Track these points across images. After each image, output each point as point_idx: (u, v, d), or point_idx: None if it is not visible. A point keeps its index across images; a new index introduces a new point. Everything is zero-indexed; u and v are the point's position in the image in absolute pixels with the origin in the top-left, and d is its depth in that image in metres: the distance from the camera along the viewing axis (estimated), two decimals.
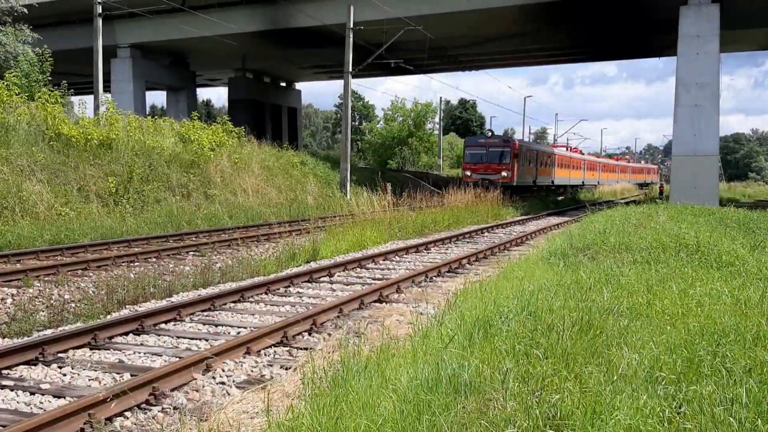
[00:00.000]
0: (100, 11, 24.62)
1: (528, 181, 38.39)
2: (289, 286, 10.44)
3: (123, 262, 12.08)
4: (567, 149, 56.24)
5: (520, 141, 39.71)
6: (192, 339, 7.29)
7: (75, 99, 26.43)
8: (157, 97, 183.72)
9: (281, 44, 37.89)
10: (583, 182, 55.61)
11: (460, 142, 59.79)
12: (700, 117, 25.94)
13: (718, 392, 3.88)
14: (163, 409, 5.17)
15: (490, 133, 37.66)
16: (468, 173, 34.79)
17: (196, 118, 26.57)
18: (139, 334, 7.35)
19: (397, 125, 53.36)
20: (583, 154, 62.11)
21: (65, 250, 13.00)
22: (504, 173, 33.84)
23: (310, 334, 7.54)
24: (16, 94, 19.71)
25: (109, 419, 4.89)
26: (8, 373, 5.98)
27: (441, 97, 67.90)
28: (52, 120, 19.11)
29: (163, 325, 7.81)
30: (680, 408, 3.76)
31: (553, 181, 45.26)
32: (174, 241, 15.46)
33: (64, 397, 5.39)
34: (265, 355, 6.71)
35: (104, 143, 19.85)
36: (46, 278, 10.38)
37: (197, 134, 24.22)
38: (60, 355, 6.51)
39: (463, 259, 13.27)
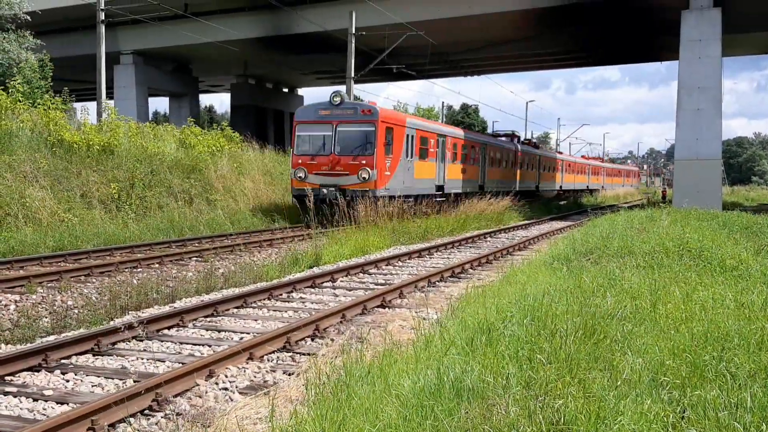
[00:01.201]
0: (103, 18, 24.69)
1: (423, 187, 23.95)
2: (291, 292, 10.43)
3: (126, 268, 12.08)
4: (514, 140, 38.92)
5: (398, 113, 24.66)
6: (195, 345, 7.29)
7: (77, 105, 26.54)
8: (160, 104, 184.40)
9: (283, 50, 38.02)
10: (537, 186, 41.69)
11: None
12: (703, 121, 25.94)
13: (723, 397, 3.87)
14: (166, 415, 5.16)
15: (338, 100, 20.91)
16: (300, 174, 20.75)
17: (193, 123, 26.65)
18: (142, 340, 7.35)
19: None
20: (538, 147, 46.08)
21: (68, 257, 13.01)
22: (363, 174, 20.00)
23: (312, 340, 7.53)
24: (19, 101, 19.78)
25: (113, 425, 4.90)
26: (11, 380, 5.98)
27: (443, 102, 67.95)
28: (54, 126, 19.17)
29: (166, 331, 7.81)
30: (684, 413, 3.75)
31: (482, 186, 30.78)
32: (177, 246, 15.47)
33: (67, 404, 5.39)
34: (268, 360, 6.70)
35: (106, 149, 19.91)
36: (49, 284, 10.38)
37: (196, 140, 24.35)
38: (63, 361, 6.52)
39: (466, 263, 13.26)
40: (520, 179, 37.62)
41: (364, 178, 20.02)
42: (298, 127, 21.51)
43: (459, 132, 29.81)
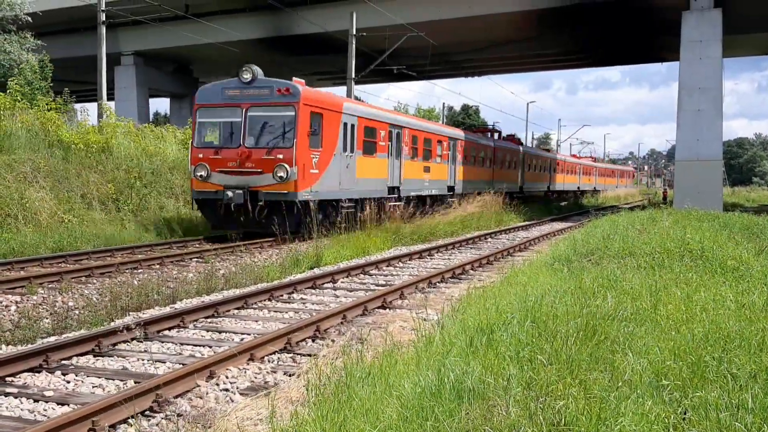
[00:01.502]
0: (104, 19, 24.72)
1: (369, 189, 19.71)
2: (292, 293, 10.43)
3: (126, 269, 12.08)
4: (493, 135, 35.50)
5: (331, 95, 19.46)
6: (196, 345, 7.29)
7: (78, 106, 26.60)
8: (161, 104, 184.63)
9: (284, 51, 38.04)
10: (521, 187, 37.72)
11: None
12: (703, 122, 25.94)
13: (724, 398, 3.87)
14: (166, 416, 5.17)
15: (249, 76, 16.52)
16: (200, 173, 16.42)
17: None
18: (142, 341, 7.35)
19: None
20: (521, 143, 41.53)
21: (69, 257, 13.02)
22: (279, 172, 15.81)
23: (313, 341, 7.53)
24: (17, 101, 19.83)
25: (113, 426, 4.90)
26: (12, 381, 5.98)
27: (444, 103, 67.94)
28: (52, 126, 19.22)
29: (166, 332, 7.81)
30: (685, 414, 3.75)
31: (452, 187, 27.17)
32: (177, 247, 15.47)
33: (68, 405, 5.39)
34: (269, 361, 6.70)
35: (105, 149, 19.94)
36: (49, 285, 10.38)
37: None
38: (64, 362, 6.52)
39: (467, 264, 13.26)
40: (500, 179, 33.40)
41: (280, 177, 15.79)
42: (200, 112, 17.07)
43: (419, 123, 25.71)
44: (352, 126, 18.81)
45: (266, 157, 16.06)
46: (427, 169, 24.61)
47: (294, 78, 16.84)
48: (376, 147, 20.46)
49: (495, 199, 27.03)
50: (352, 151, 18.78)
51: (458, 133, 29.70)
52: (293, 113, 16.07)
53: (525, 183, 38.50)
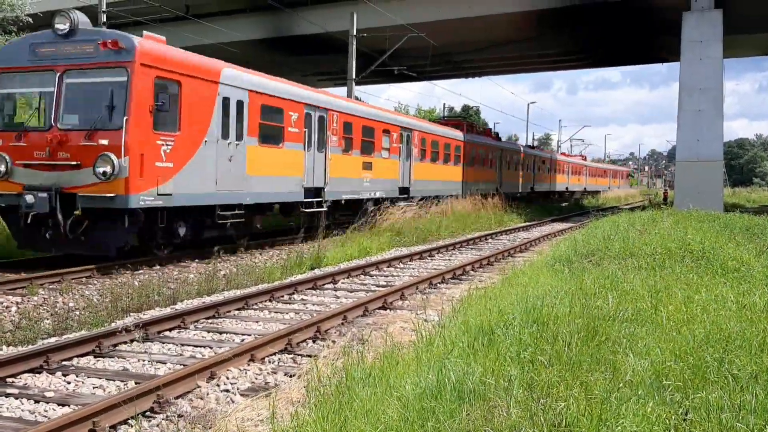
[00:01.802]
0: (105, 20, 24.75)
1: (270, 190, 15.10)
2: (293, 293, 10.44)
3: (127, 270, 12.07)
4: (463, 128, 30.56)
5: (198, 57, 13.88)
6: (196, 346, 7.29)
7: None
8: None
9: (284, 51, 38.06)
10: (498, 189, 33.25)
11: None
12: (703, 122, 25.92)
13: (725, 398, 3.87)
14: (167, 417, 5.17)
15: (66, 25, 11.43)
16: None
17: None
18: (143, 342, 7.35)
19: None
20: (499, 138, 36.95)
21: (69, 258, 12.99)
22: (102, 165, 10.95)
23: (314, 341, 7.53)
24: None
25: (114, 427, 4.90)
26: (13, 381, 5.98)
27: (444, 104, 68.09)
28: None
29: (167, 333, 7.81)
30: (687, 415, 3.74)
31: (406, 189, 22.90)
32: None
33: (69, 405, 5.39)
34: (270, 362, 6.70)
35: None
36: (50, 286, 10.38)
37: None
38: (64, 363, 6.52)
39: (467, 265, 13.26)
40: (473, 179, 28.98)
41: (104, 173, 11.00)
42: (0, 80, 12.31)
43: (354, 106, 20.29)
44: (240, 103, 14.01)
45: (86, 143, 11.23)
46: (367, 166, 19.88)
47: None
48: (284, 134, 15.55)
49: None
50: (239, 137, 13.91)
51: (413, 122, 25.11)
52: (125, 78, 11.22)
53: (504, 183, 34.59)
